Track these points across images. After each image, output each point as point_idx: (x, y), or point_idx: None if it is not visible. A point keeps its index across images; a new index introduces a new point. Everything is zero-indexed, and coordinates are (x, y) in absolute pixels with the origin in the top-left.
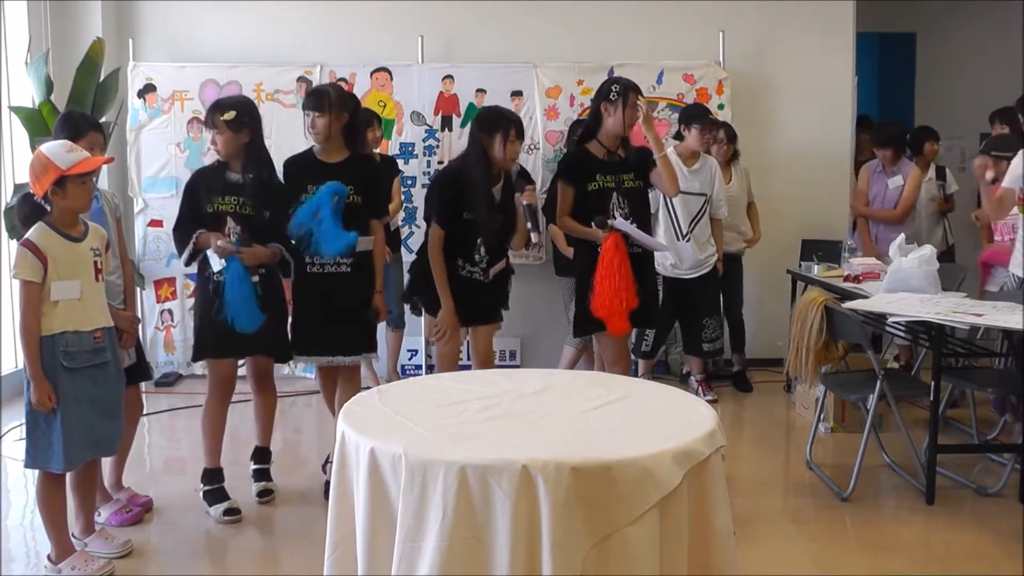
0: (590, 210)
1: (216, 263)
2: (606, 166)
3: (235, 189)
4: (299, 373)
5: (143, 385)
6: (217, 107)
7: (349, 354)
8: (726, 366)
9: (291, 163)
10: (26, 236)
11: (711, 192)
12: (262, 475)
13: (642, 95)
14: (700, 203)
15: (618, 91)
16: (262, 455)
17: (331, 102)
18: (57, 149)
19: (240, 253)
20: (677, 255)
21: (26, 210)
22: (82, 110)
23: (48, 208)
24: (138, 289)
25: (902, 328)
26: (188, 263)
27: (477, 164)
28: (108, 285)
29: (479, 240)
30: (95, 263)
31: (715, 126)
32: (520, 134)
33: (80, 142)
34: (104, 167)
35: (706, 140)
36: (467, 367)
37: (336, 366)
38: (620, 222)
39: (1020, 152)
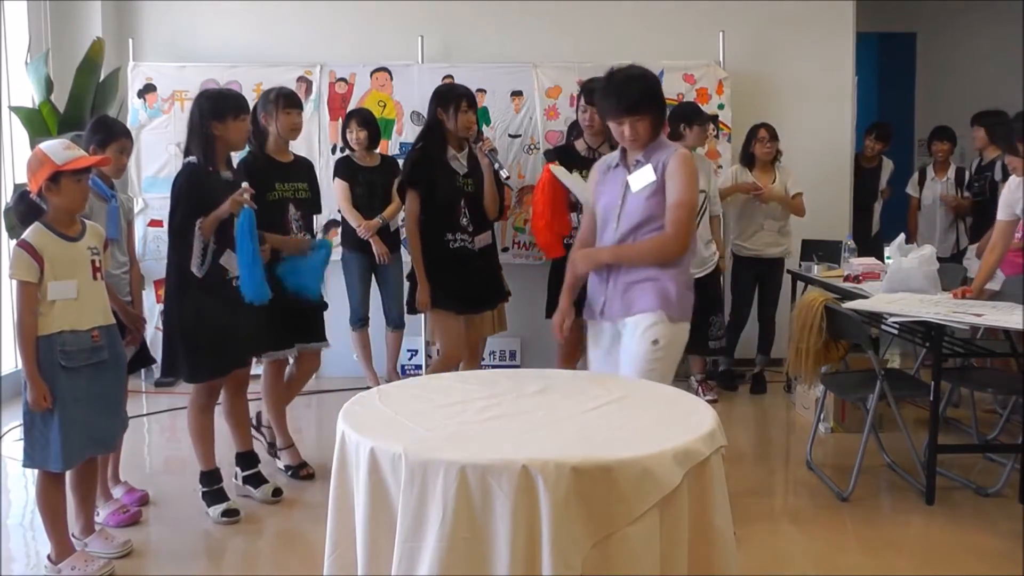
0: None
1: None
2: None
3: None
4: None
5: (143, 385)
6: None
7: (312, 341)
8: (736, 365)
9: (252, 163)
10: (22, 237)
11: (709, 189)
12: (259, 478)
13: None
14: (699, 200)
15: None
16: (249, 459)
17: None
18: (54, 146)
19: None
20: None
21: (22, 208)
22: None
23: (44, 207)
24: None
25: (902, 328)
26: (202, 264)
27: (436, 134)
28: (115, 279)
29: (460, 203)
30: (93, 262)
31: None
32: (472, 105)
33: (111, 145)
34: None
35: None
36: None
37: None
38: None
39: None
